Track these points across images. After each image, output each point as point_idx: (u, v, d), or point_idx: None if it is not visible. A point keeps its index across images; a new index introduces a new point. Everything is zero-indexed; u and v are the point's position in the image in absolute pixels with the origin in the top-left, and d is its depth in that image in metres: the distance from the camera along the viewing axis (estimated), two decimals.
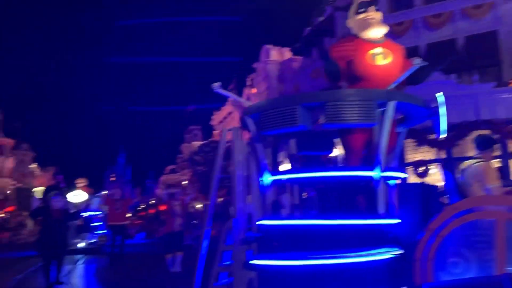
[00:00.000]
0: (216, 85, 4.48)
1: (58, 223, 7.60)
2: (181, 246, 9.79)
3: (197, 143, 43.47)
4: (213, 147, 30.46)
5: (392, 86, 4.14)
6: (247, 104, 4.67)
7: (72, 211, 8.42)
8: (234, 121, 35.39)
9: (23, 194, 34.86)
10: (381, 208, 3.90)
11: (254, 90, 30.10)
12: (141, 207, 34.84)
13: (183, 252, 9.69)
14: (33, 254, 14.33)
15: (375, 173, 3.90)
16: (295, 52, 26.27)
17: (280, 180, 4.40)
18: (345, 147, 4.42)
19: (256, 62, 29.82)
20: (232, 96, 4.98)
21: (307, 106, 3.89)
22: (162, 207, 33.31)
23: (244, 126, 4.58)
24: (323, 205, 4.80)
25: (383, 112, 3.94)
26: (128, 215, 11.65)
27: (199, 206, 26.99)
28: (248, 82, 32.11)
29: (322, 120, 3.84)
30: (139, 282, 8.47)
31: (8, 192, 33.93)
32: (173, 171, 54.54)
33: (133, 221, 25.57)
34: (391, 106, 3.89)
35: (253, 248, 4.52)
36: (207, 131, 48.11)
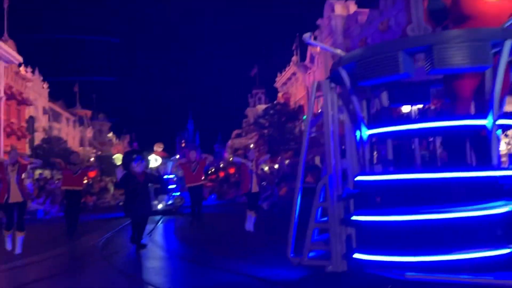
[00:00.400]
0: (306, 36, 4.25)
1: (141, 186, 7.70)
2: (256, 207, 9.74)
3: (261, 106, 43.53)
4: (278, 110, 30.30)
5: (508, 23, 3.65)
6: (341, 54, 4.37)
7: (150, 172, 8.64)
8: (298, 82, 34.80)
9: (104, 161, 37.23)
10: (494, 159, 3.55)
11: (317, 49, 29.17)
12: (211, 170, 35.92)
13: (256, 214, 9.58)
14: (116, 216, 15.36)
15: (487, 122, 3.53)
16: (361, 4, 24.86)
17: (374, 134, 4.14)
18: (452, 95, 4.04)
19: (319, 18, 28.69)
20: (323, 46, 4.68)
21: (410, 51, 3.57)
22: (232, 170, 34.02)
23: (334, 78, 4.32)
24: (397, 161, 4.54)
25: (496, 54, 3.51)
26: (203, 177, 11.74)
27: (266, 168, 27.27)
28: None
29: (427, 66, 3.48)
30: (218, 240, 8.61)
31: (91, 159, 36.43)
32: (239, 135, 55.41)
33: (205, 184, 26.39)
34: (507, 46, 3.45)
35: (350, 205, 4.38)
36: (271, 93, 47.96)
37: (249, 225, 9.42)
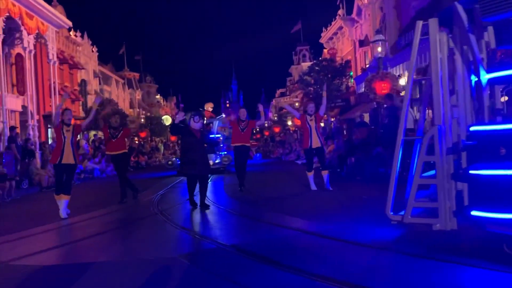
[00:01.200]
0: None
1: (197, 142, 7.51)
2: (325, 164, 9.24)
3: (306, 64, 42.62)
4: (323, 66, 29.49)
5: None
6: None
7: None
8: (345, 37, 33.56)
9: (154, 122, 38.38)
10: None
11: (365, 0, 27.79)
12: (256, 129, 36.13)
13: (328, 171, 9.13)
14: (167, 174, 15.90)
15: None
16: None
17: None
18: None
19: None
20: None
21: None
22: (277, 129, 33.89)
23: (444, 16, 3.90)
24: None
25: None
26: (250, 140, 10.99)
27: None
28: None
29: None
30: (272, 198, 8.54)
31: (142, 121, 37.62)
32: (283, 94, 55.01)
33: (250, 143, 26.57)
34: None
35: (461, 158, 4.06)
36: (316, 50, 46.76)
37: (313, 185, 9.03)
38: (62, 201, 7.47)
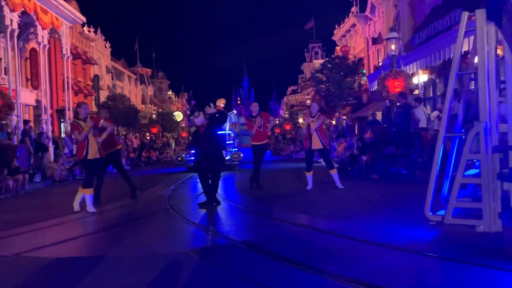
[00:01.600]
0: None
1: (203, 137, 7.30)
2: (331, 163, 9.16)
3: (318, 61, 42.43)
4: (336, 64, 29.30)
5: None
6: None
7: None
8: (358, 34, 33.30)
9: (165, 118, 38.58)
10: None
11: None
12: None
13: (334, 169, 8.99)
14: (178, 170, 15.95)
15: None
16: None
17: None
18: None
19: None
20: None
21: None
22: (287, 126, 33.68)
23: (492, 6, 3.78)
24: None
25: None
26: (268, 134, 10.52)
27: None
28: None
29: None
30: (284, 195, 8.49)
31: (153, 117, 37.82)
32: (294, 92, 54.83)
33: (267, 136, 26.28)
34: None
35: (510, 157, 3.93)
36: (329, 47, 46.52)
37: (310, 185, 9.03)
38: (79, 195, 7.37)
